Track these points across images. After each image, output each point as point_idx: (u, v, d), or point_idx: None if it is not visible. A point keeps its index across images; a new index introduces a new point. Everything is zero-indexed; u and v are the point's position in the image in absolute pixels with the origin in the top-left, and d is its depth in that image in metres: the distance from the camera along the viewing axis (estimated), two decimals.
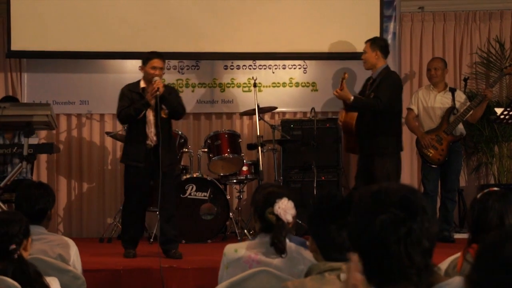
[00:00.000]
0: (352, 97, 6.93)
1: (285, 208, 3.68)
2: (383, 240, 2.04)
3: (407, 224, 2.02)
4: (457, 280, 2.28)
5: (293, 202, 3.70)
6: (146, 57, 6.74)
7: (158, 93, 6.46)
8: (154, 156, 6.59)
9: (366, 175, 7.10)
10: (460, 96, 7.85)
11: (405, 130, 7.84)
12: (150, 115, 6.66)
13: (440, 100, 7.73)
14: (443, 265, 3.33)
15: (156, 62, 6.68)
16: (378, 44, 7.18)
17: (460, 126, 7.71)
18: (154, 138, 6.62)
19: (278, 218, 3.66)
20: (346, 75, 7.00)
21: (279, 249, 3.65)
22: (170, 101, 6.64)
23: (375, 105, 6.93)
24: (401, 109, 7.26)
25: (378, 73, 7.09)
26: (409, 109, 7.92)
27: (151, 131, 6.65)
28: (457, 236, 7.64)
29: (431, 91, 7.78)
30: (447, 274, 3.15)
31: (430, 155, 7.64)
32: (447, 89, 7.83)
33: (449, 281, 2.39)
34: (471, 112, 7.60)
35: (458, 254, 3.30)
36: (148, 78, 6.66)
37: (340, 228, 2.94)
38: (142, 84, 6.74)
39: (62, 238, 4.30)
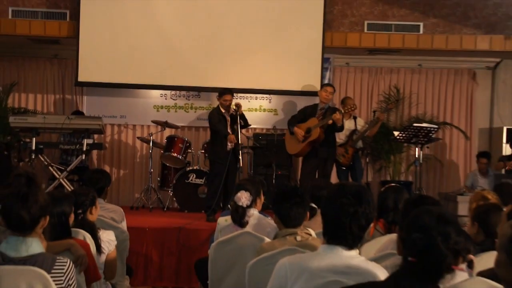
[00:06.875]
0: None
1: (239, 197, 3.72)
2: (339, 213, 2.16)
3: (355, 207, 2.15)
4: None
5: (249, 192, 3.69)
6: (221, 92, 6.82)
7: (240, 110, 6.64)
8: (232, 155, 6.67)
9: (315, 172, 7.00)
10: (360, 121, 7.85)
11: None
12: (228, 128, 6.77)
13: (348, 125, 7.61)
14: None
15: (227, 97, 6.76)
16: None
17: (359, 142, 7.74)
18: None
19: (236, 204, 3.70)
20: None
21: (239, 225, 3.70)
22: (245, 117, 6.86)
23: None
24: None
25: (328, 105, 7.07)
26: None
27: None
28: None
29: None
30: (364, 240, 3.25)
31: (341, 160, 7.55)
32: (352, 117, 7.78)
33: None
34: (368, 131, 7.64)
35: (371, 225, 3.40)
36: (223, 105, 6.76)
37: (291, 207, 2.96)
38: (222, 110, 6.81)
39: (115, 207, 4.35)
